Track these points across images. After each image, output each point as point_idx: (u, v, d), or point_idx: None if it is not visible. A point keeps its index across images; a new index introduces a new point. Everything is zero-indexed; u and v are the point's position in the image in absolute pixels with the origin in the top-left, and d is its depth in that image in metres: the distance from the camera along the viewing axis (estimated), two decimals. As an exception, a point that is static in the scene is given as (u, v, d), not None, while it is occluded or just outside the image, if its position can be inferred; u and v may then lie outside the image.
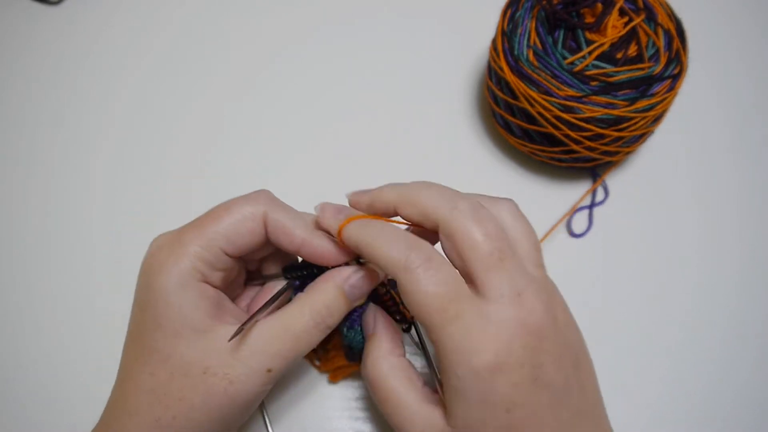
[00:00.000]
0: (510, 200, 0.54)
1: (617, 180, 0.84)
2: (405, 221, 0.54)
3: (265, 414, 0.68)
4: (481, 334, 0.46)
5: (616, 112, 0.69)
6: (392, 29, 0.98)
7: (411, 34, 0.97)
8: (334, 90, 0.92)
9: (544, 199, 0.82)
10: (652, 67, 0.71)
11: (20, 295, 0.77)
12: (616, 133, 0.71)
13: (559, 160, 0.78)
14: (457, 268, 0.50)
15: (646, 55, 0.71)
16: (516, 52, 0.73)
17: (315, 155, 0.87)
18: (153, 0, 1.01)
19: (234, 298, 0.61)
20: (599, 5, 0.74)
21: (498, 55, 0.75)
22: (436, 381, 0.52)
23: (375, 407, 0.68)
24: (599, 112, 0.69)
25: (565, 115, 0.70)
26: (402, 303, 0.61)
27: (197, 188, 0.84)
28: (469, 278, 0.49)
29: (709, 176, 0.85)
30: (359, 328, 0.60)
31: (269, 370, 0.52)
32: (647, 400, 0.71)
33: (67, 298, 0.76)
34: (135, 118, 0.90)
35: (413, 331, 0.61)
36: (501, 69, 0.74)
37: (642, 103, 0.69)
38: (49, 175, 0.85)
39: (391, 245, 0.49)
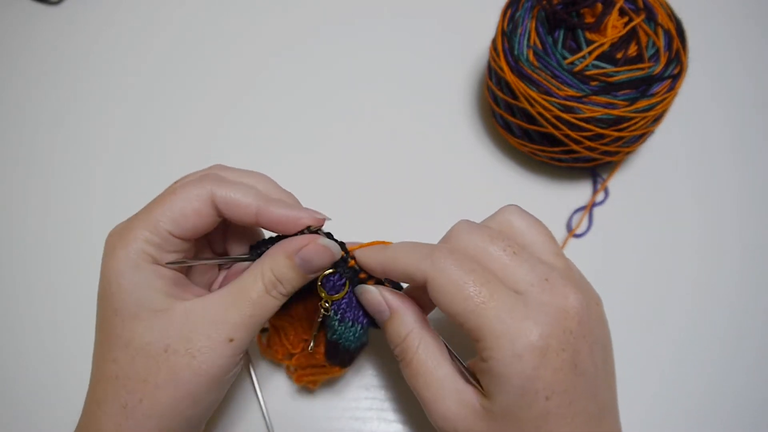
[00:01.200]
0: (511, 204, 0.54)
1: (617, 180, 0.84)
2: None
3: (265, 414, 0.68)
4: (522, 317, 0.46)
5: (616, 112, 0.69)
6: (392, 30, 0.98)
7: (411, 34, 0.97)
8: (334, 90, 0.93)
9: (544, 199, 0.82)
10: (652, 67, 0.71)
11: (20, 295, 0.77)
12: (616, 133, 0.71)
13: (559, 160, 0.78)
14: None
15: (646, 55, 0.71)
16: (516, 52, 0.73)
17: (315, 155, 0.87)
18: (153, 0, 1.01)
19: (209, 282, 0.61)
20: (599, 5, 0.74)
21: (498, 55, 0.75)
22: (462, 366, 0.52)
23: (375, 408, 0.69)
24: (599, 112, 0.69)
25: (565, 115, 0.70)
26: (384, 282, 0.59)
27: None
28: None
29: (709, 176, 0.85)
30: (350, 322, 0.58)
31: (231, 340, 0.52)
32: (647, 399, 0.71)
33: (66, 298, 0.76)
34: (135, 118, 0.90)
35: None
36: (501, 69, 0.74)
37: (642, 103, 0.69)
38: (49, 174, 0.85)
39: (412, 253, 0.51)
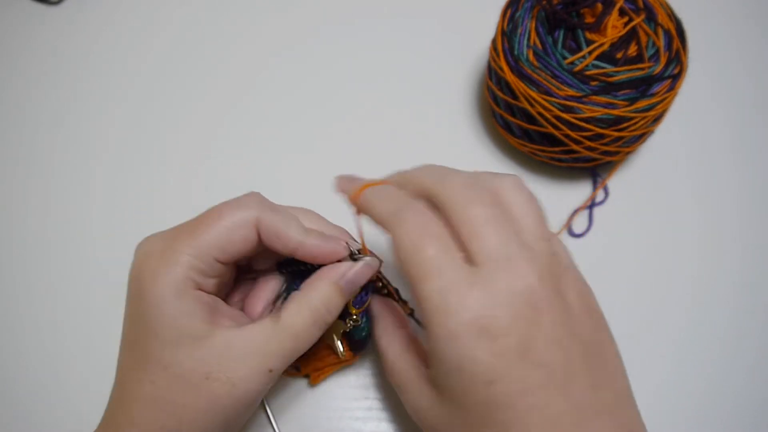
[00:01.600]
0: (512, 175, 0.52)
1: (617, 180, 0.84)
2: None
3: (269, 413, 0.68)
4: (464, 293, 0.44)
5: (616, 112, 0.69)
6: (392, 29, 0.98)
7: (411, 34, 0.98)
8: (333, 90, 0.93)
9: (544, 199, 0.80)
10: (652, 67, 0.71)
11: (20, 295, 0.77)
12: (616, 133, 0.71)
13: (559, 160, 0.78)
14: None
15: (646, 55, 0.71)
16: (516, 52, 0.73)
17: (314, 155, 0.87)
18: (153, 0, 1.01)
19: (226, 295, 0.61)
20: (599, 5, 0.74)
21: (498, 55, 0.75)
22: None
23: (375, 408, 0.69)
24: (599, 112, 0.69)
25: (565, 115, 0.70)
26: (399, 296, 0.63)
27: (197, 189, 0.84)
28: (461, 250, 0.47)
29: (709, 176, 0.85)
30: (365, 317, 0.61)
31: (270, 370, 0.52)
32: (647, 399, 0.70)
33: (67, 298, 0.76)
34: (135, 119, 0.90)
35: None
36: (501, 69, 0.74)
37: (642, 103, 0.69)
38: (49, 175, 0.85)
39: (386, 201, 0.51)
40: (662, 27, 0.73)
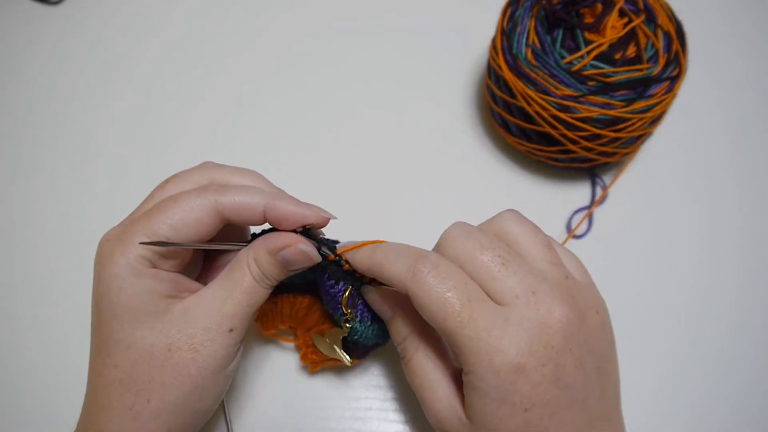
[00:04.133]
0: (510, 210, 0.54)
1: (617, 181, 0.84)
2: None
3: (226, 412, 0.67)
4: (500, 334, 0.46)
5: (613, 112, 0.69)
6: (393, 30, 0.98)
7: (411, 33, 0.98)
8: (333, 89, 0.93)
9: (542, 199, 0.83)
10: (651, 68, 0.71)
11: (20, 295, 0.77)
12: (613, 134, 0.71)
13: (557, 160, 0.78)
14: None
15: (645, 56, 0.71)
16: (514, 51, 0.73)
17: (314, 155, 0.87)
18: (153, 0, 1.01)
19: (199, 276, 0.62)
20: (599, 5, 0.74)
21: (497, 54, 0.75)
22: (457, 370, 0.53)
23: (375, 408, 0.69)
24: (596, 112, 0.69)
25: (562, 115, 0.70)
26: None
27: None
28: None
29: (708, 177, 0.86)
30: (369, 321, 0.60)
31: (231, 330, 0.53)
32: (647, 399, 0.72)
33: (67, 298, 0.76)
34: (135, 118, 0.90)
35: None
36: (499, 67, 0.74)
37: (639, 104, 0.69)
38: (49, 174, 0.86)
39: (397, 260, 0.50)
40: (662, 29, 0.73)
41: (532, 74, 0.71)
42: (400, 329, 0.56)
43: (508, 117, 0.77)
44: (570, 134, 0.72)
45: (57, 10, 1.00)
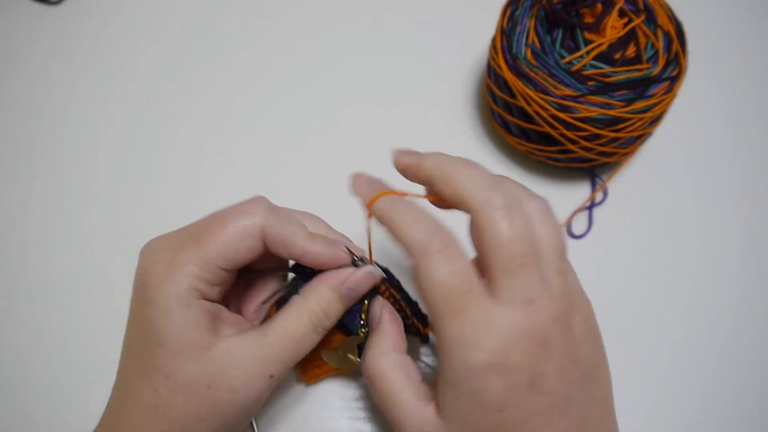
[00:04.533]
0: (543, 198, 0.53)
1: (617, 180, 0.84)
2: (435, 198, 0.54)
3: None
4: (483, 332, 0.46)
5: (612, 112, 0.69)
6: (393, 30, 0.98)
7: (411, 34, 0.98)
8: (333, 89, 0.93)
9: (555, 195, 0.82)
10: (650, 68, 0.71)
11: (20, 296, 0.77)
12: (612, 134, 0.71)
13: (556, 160, 0.78)
14: (477, 259, 0.50)
15: (645, 56, 0.71)
16: (514, 50, 0.73)
17: (314, 153, 0.87)
18: (153, 1, 1.01)
19: (225, 294, 0.61)
20: (599, 5, 0.74)
21: (497, 54, 0.75)
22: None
23: (375, 407, 0.69)
24: (595, 112, 0.69)
25: (561, 115, 0.70)
26: (413, 315, 0.62)
27: (198, 188, 0.84)
28: (486, 274, 0.49)
29: (708, 177, 0.85)
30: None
31: (271, 376, 0.53)
32: (645, 401, 0.71)
33: (67, 297, 0.77)
34: (135, 118, 0.90)
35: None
36: (499, 67, 0.74)
37: (639, 105, 0.69)
38: (49, 175, 0.86)
39: (414, 226, 0.50)
40: (662, 29, 0.73)
41: (532, 74, 0.71)
42: (375, 345, 0.57)
43: (508, 117, 0.77)
44: (569, 134, 0.72)
45: (57, 10, 1.00)
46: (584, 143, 0.72)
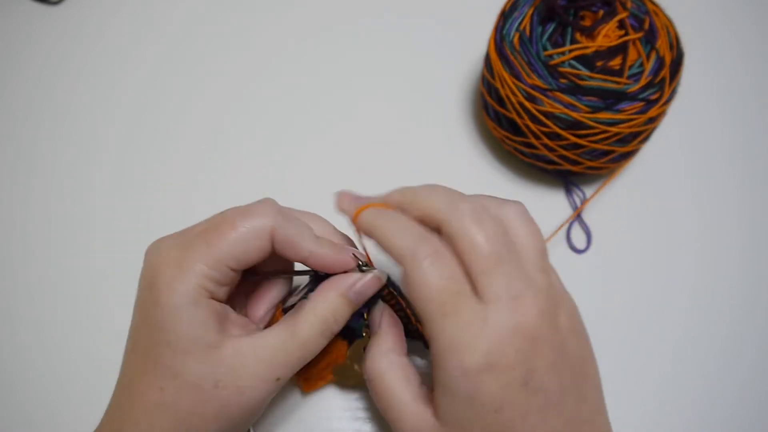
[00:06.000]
0: (518, 202, 0.54)
1: (613, 188, 0.84)
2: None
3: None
4: (475, 333, 0.47)
5: (575, 114, 0.69)
6: (392, 30, 0.99)
7: (411, 34, 0.98)
8: (332, 88, 0.93)
9: (539, 201, 0.83)
10: (628, 84, 0.70)
11: (20, 296, 0.78)
12: (573, 138, 0.71)
13: (522, 153, 0.79)
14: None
15: (627, 72, 0.71)
16: (504, 32, 0.74)
17: (313, 152, 0.87)
18: (153, 0, 1.02)
19: (230, 294, 0.62)
20: (601, 12, 0.74)
21: (492, 34, 0.77)
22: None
23: (376, 407, 0.68)
24: (559, 110, 0.69)
25: (527, 104, 0.71)
26: (415, 317, 0.62)
27: (199, 188, 0.85)
28: (469, 280, 0.50)
29: (707, 178, 0.85)
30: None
31: (278, 379, 0.54)
32: (645, 405, 0.71)
33: (66, 298, 0.77)
34: (136, 118, 0.91)
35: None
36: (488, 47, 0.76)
37: (604, 115, 0.69)
38: (49, 175, 0.86)
39: (401, 235, 0.51)
40: (657, 52, 0.72)
41: (511, 57, 0.72)
42: (374, 349, 0.58)
43: (488, 99, 0.78)
44: (533, 126, 0.72)
45: (57, 10, 1.00)
46: (545, 140, 0.73)
